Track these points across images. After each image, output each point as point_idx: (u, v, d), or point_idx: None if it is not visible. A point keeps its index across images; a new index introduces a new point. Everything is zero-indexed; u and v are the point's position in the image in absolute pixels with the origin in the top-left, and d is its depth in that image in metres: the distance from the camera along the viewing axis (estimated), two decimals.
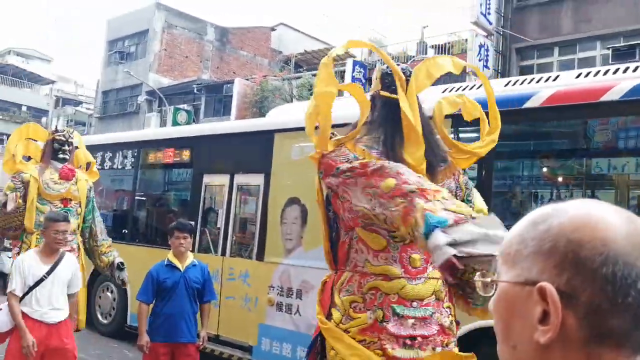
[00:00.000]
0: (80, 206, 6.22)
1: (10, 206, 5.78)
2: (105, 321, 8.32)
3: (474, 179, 5.55)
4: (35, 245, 5.90)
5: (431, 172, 2.99)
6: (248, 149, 7.00)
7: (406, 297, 2.84)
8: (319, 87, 3.03)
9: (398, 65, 3.11)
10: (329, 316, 2.98)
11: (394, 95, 3.02)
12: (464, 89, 5.95)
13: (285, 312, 6.17)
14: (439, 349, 2.83)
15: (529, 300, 0.78)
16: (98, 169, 9.22)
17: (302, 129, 5.66)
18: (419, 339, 2.80)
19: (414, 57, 19.94)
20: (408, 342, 2.80)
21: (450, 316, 2.97)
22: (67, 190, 6.07)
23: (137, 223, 8.90)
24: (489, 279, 0.88)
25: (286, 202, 6.32)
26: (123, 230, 8.76)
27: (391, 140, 2.99)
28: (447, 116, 3.41)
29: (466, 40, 17.15)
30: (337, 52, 3.10)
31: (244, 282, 6.60)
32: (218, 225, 7.17)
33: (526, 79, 5.70)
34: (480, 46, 15.89)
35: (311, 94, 22.92)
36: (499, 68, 16.28)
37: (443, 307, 2.95)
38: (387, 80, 3.13)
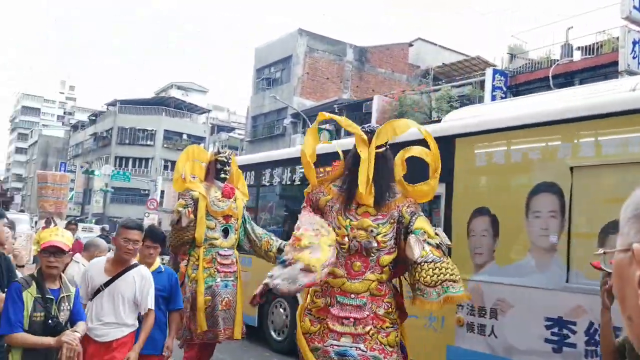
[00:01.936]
0: (237, 222, 6.77)
1: (184, 221, 6.39)
2: (278, 338, 8.10)
3: None
4: (203, 258, 6.50)
5: (378, 204, 4.25)
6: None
7: (346, 291, 4.11)
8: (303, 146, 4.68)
9: (367, 125, 4.54)
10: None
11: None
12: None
13: (478, 333, 5.62)
14: (369, 328, 4.03)
15: (631, 265, 0.77)
16: (266, 186, 9.30)
17: (487, 132, 5.71)
18: (351, 319, 4.05)
19: (558, 60, 19.02)
20: (344, 321, 4.05)
21: (389, 308, 4.17)
22: (228, 207, 6.64)
23: None
24: (601, 251, 0.90)
25: (473, 212, 5.78)
26: None
27: (350, 182, 4.31)
28: None
29: (617, 38, 16.03)
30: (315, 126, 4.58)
31: None
32: None
33: None
34: (634, 43, 14.81)
35: (450, 106, 22.69)
36: None
37: (383, 301, 4.15)
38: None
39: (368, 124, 4.66)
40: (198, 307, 6.42)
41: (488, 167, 5.75)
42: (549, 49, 20.35)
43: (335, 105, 27.61)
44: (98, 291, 3.73)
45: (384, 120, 23.86)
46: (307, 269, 3.78)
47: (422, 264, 4.06)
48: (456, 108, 22.69)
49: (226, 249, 6.62)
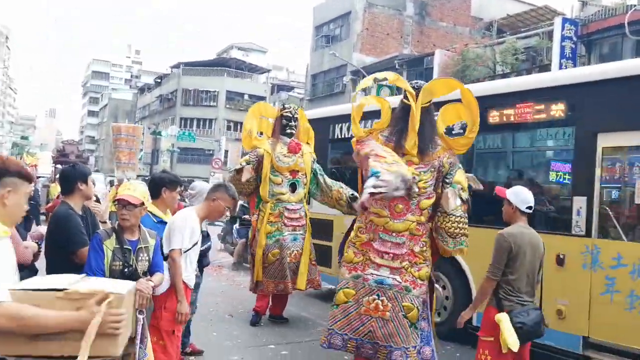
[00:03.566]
0: (305, 177, 6.88)
1: (245, 177, 6.63)
2: (436, 319, 6.10)
3: None
4: (270, 213, 6.70)
5: (421, 154, 4.69)
6: None
7: (388, 229, 4.63)
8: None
9: (415, 82, 4.99)
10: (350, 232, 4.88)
11: (406, 102, 4.80)
12: None
13: None
14: (405, 263, 4.62)
15: None
16: None
17: None
18: (390, 254, 4.63)
19: (635, 5, 17.85)
20: (384, 255, 4.64)
21: (424, 247, 4.71)
22: (294, 162, 6.78)
23: (483, 202, 6.11)
24: None
25: None
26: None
27: (398, 133, 4.76)
28: None
29: None
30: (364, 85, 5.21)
31: None
32: (637, 202, 5.21)
33: None
34: None
35: (515, 59, 21.71)
36: None
37: (420, 240, 4.68)
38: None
39: (415, 81, 5.15)
40: (256, 259, 6.67)
41: None
42: None
43: (395, 61, 27.13)
44: (196, 243, 3.96)
45: (445, 76, 23.29)
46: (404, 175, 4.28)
47: (450, 215, 4.64)
48: (522, 61, 21.83)
49: (294, 204, 6.80)
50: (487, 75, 21.19)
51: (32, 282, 2.25)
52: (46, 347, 1.95)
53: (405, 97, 4.84)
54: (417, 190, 4.62)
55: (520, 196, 3.93)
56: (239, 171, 6.71)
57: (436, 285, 5.08)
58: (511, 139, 6.64)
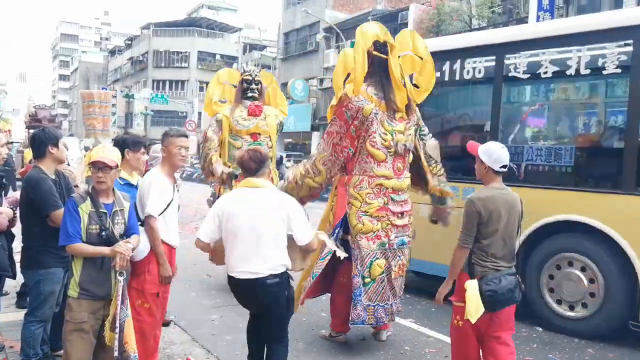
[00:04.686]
0: (270, 140, 6.83)
1: (220, 170, 6.49)
2: (570, 313, 5.43)
3: None
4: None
5: (409, 109, 4.79)
6: None
7: (396, 189, 4.74)
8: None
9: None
10: (349, 205, 4.71)
11: (383, 56, 4.68)
12: None
13: None
14: (409, 218, 4.89)
15: None
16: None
17: None
18: (404, 212, 4.82)
19: None
20: (399, 215, 4.78)
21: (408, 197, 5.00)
22: (255, 125, 6.70)
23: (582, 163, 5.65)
24: None
25: None
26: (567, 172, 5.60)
27: (386, 90, 4.68)
28: None
29: None
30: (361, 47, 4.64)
31: None
32: None
33: None
34: None
35: (492, 12, 21.42)
36: None
37: (408, 192, 4.94)
38: (378, 44, 4.71)
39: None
40: None
41: None
42: None
43: (369, 17, 26.75)
44: (172, 201, 3.81)
45: (420, 31, 23.09)
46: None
47: (439, 163, 5.08)
48: (499, 14, 21.68)
49: None
50: (463, 30, 21.07)
51: None
52: (308, 262, 3.88)
53: (377, 49, 4.72)
54: (413, 147, 4.92)
55: (493, 155, 3.50)
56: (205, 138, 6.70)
57: (575, 271, 5.30)
58: None
